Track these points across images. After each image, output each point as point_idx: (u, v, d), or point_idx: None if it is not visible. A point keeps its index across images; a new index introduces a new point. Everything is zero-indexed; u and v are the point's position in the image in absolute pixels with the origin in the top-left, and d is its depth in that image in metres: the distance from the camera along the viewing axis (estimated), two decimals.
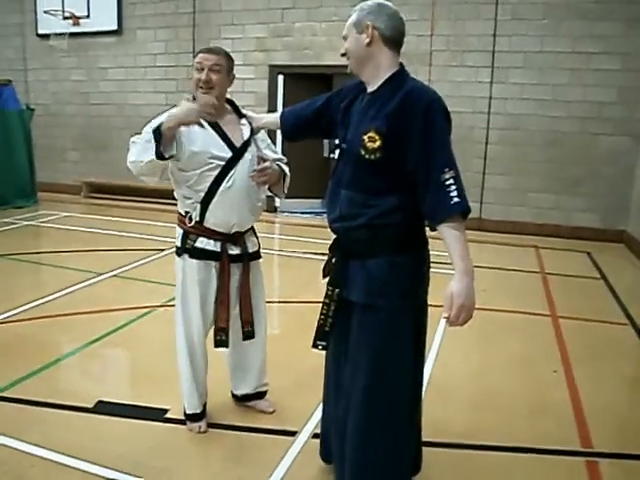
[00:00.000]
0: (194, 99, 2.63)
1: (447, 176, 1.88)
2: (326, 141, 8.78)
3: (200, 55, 2.61)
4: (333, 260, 2.18)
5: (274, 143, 2.96)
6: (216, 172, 2.54)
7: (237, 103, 2.80)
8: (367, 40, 2.01)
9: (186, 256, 2.66)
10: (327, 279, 2.20)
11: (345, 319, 2.12)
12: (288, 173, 2.83)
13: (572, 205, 7.84)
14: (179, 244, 2.69)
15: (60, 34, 10.13)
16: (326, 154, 9.10)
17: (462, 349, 3.93)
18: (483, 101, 8.01)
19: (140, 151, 2.47)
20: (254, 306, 2.82)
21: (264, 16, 8.97)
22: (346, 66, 2.15)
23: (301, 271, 5.96)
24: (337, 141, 2.20)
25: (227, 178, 2.56)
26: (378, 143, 1.94)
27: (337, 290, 2.12)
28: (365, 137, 1.97)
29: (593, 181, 7.71)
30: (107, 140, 10.24)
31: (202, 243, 2.64)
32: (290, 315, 4.68)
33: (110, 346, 3.91)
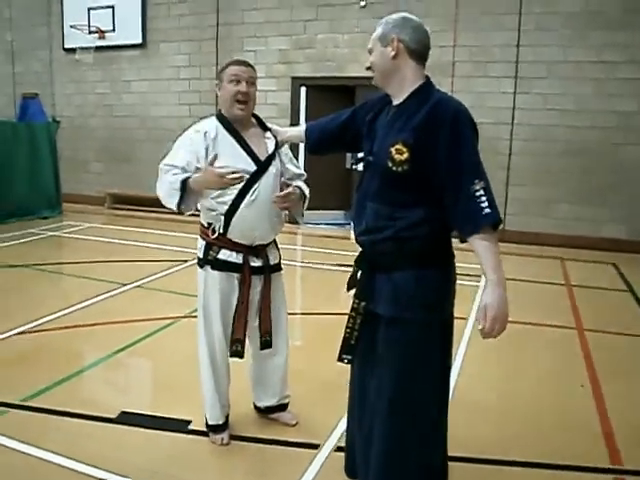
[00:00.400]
0: (219, 114, 2.65)
1: (477, 187, 1.87)
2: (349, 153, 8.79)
3: (235, 67, 2.62)
4: (359, 273, 2.17)
5: (296, 157, 2.97)
6: (240, 185, 2.55)
7: (260, 116, 2.82)
8: (392, 53, 2.01)
9: (208, 267, 2.67)
10: (353, 292, 2.18)
11: (371, 333, 2.11)
12: (308, 195, 2.84)
13: (597, 216, 7.74)
14: (201, 255, 2.70)
15: (86, 48, 10.34)
16: (348, 166, 9.10)
17: (486, 362, 3.88)
18: (506, 112, 7.96)
19: (167, 192, 2.59)
20: (275, 317, 2.81)
21: (286, 28, 9.04)
22: (368, 77, 2.15)
23: (323, 283, 5.95)
24: (362, 154, 2.20)
25: (251, 191, 2.57)
26: (405, 155, 1.93)
27: (363, 303, 2.11)
28: (392, 149, 1.96)
29: (618, 191, 7.60)
30: (130, 152, 10.38)
31: (225, 255, 2.65)
32: (312, 327, 4.67)
33: (133, 357, 3.93)
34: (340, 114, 2.40)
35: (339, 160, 9.00)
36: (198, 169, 2.53)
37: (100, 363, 3.77)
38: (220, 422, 2.81)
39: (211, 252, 2.66)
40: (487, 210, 1.86)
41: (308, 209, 2.97)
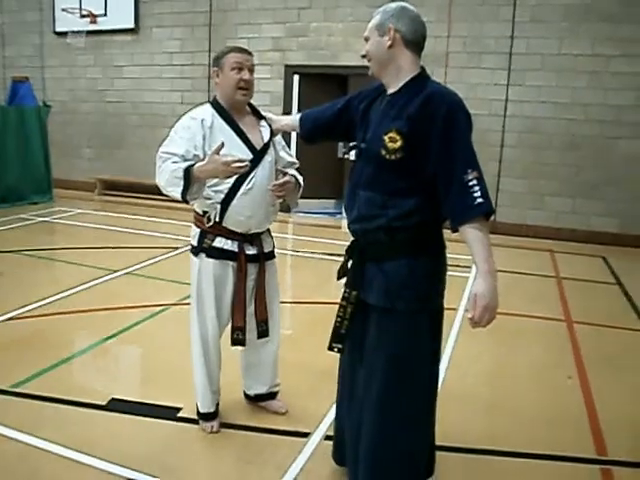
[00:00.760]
0: (215, 101, 2.63)
1: (470, 177, 1.88)
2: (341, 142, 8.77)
3: (238, 55, 2.61)
4: (349, 262, 2.17)
5: (288, 145, 2.96)
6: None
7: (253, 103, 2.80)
8: (389, 43, 2.01)
9: (203, 255, 2.66)
10: (344, 281, 2.19)
11: (361, 322, 2.12)
12: (302, 183, 2.84)
13: (589, 209, 7.77)
14: (195, 243, 2.69)
15: (77, 32, 10.22)
16: (340, 155, 9.08)
17: (475, 352, 3.90)
18: (499, 103, 7.96)
19: (168, 181, 2.51)
20: (268, 304, 2.82)
21: (280, 16, 8.97)
22: (362, 66, 2.15)
23: (313, 272, 5.94)
24: (355, 142, 2.20)
25: (247, 180, 2.56)
26: (399, 143, 1.94)
27: (354, 292, 2.11)
28: (386, 137, 1.96)
29: (610, 185, 7.63)
30: (122, 138, 10.30)
31: (220, 243, 2.64)
32: (302, 316, 4.67)
33: (124, 343, 3.92)
34: (334, 103, 2.40)
35: (331, 149, 8.97)
36: (196, 157, 2.51)
37: (90, 350, 3.76)
38: (211, 410, 2.82)
39: (206, 240, 2.65)
40: (480, 200, 1.87)
41: (299, 197, 2.97)
